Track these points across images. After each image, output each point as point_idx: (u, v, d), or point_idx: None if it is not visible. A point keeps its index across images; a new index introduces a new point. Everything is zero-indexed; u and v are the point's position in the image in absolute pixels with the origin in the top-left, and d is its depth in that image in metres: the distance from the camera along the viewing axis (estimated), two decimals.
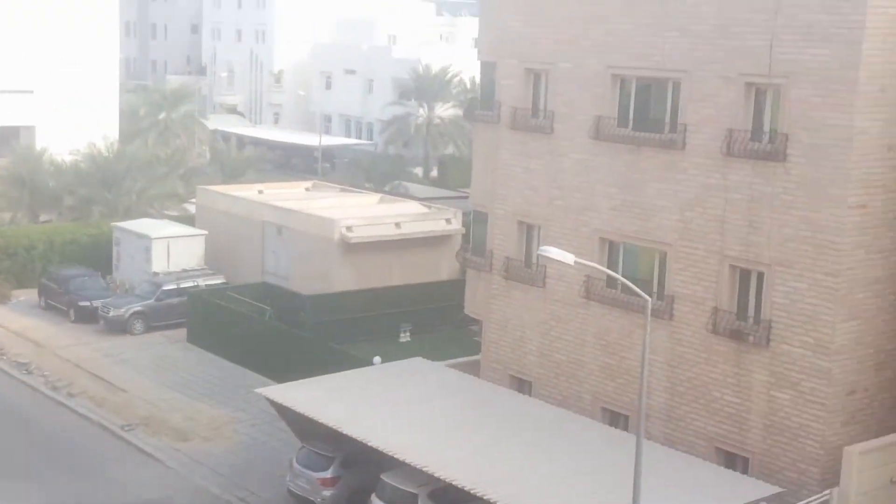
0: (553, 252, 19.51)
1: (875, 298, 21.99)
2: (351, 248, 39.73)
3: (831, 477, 21.49)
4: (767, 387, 22.58)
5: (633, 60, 24.82)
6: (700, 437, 23.79)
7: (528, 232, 27.95)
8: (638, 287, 19.92)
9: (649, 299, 19.36)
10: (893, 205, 21.88)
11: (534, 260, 27.56)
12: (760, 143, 22.49)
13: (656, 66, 24.40)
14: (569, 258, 19.41)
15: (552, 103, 26.89)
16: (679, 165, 23.91)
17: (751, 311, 23.04)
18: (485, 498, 20.90)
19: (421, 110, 74.04)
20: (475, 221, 29.98)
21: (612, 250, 25.83)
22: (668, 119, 24.39)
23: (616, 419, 25.62)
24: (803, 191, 21.69)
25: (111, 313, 38.44)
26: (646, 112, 25.07)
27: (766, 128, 22.59)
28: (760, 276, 22.71)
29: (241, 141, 73.24)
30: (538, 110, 27.39)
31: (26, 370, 34.29)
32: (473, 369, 29.13)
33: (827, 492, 21.17)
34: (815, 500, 21.12)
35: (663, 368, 24.38)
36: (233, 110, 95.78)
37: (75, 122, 62.62)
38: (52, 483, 26.33)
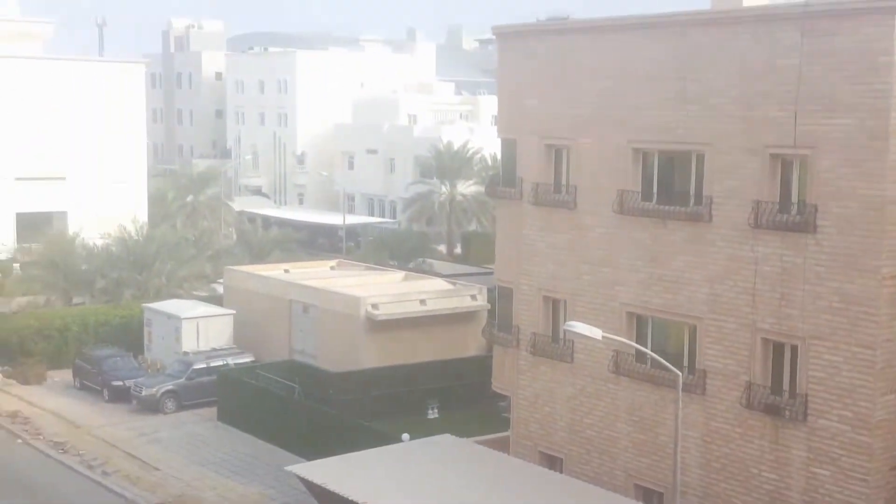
0: (580, 327, 19.65)
1: None
2: (377, 326, 39.97)
3: None
4: (806, 463, 22.16)
5: (654, 134, 24.88)
6: None
7: (555, 307, 27.88)
8: (668, 361, 19.85)
9: (680, 374, 19.29)
10: None
11: (561, 335, 27.45)
12: (789, 214, 22.26)
13: (678, 139, 24.38)
14: (596, 333, 19.53)
15: (574, 178, 26.87)
16: (706, 238, 23.80)
17: (786, 385, 22.64)
18: None
19: (443, 187, 74.81)
20: (500, 297, 29.84)
21: (640, 324, 25.72)
22: (693, 191, 24.24)
23: (650, 496, 25.32)
24: (835, 262, 21.42)
25: (143, 392, 38.78)
26: (670, 185, 24.98)
27: (795, 199, 22.36)
28: (794, 349, 22.37)
29: (267, 221, 74.10)
30: (560, 185, 27.32)
31: (62, 450, 34.54)
32: (503, 446, 29.07)
33: None
34: None
35: (698, 444, 24.03)
36: (258, 192, 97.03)
37: (106, 207, 63.85)
38: None
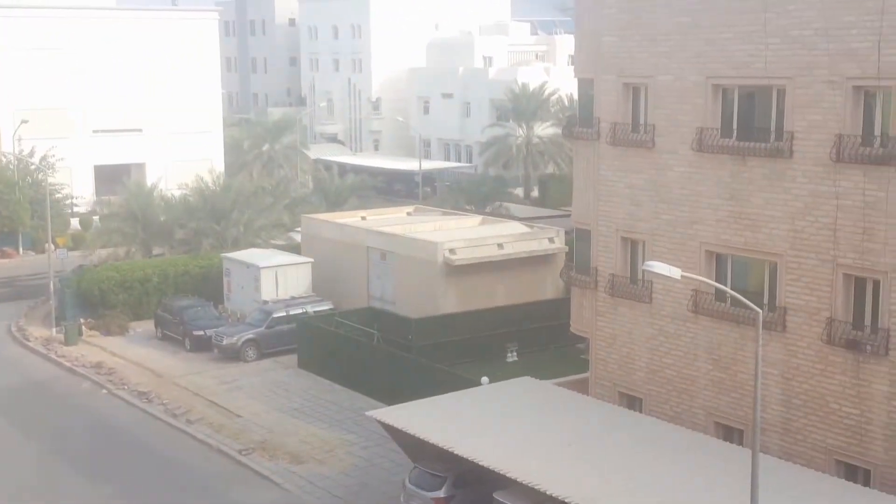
0: (659, 267, 19.34)
1: None
2: (455, 271, 39.93)
3: None
4: (888, 397, 21.97)
5: (733, 70, 24.48)
6: (818, 449, 23.25)
7: (633, 247, 27.75)
8: (748, 299, 19.59)
9: (760, 312, 19.04)
10: None
11: (639, 276, 27.33)
12: (872, 147, 21.92)
13: (758, 73, 24.01)
14: (675, 273, 19.21)
15: (652, 117, 26.66)
16: (787, 174, 23.47)
17: (867, 320, 22.45)
18: None
19: (519, 130, 74.17)
20: (578, 239, 29.87)
21: (719, 263, 25.47)
22: (773, 127, 23.97)
23: (730, 434, 25.19)
24: None
25: (224, 342, 39.35)
26: (750, 121, 24.69)
27: (878, 132, 22.01)
28: (876, 283, 22.13)
29: (343, 169, 74.30)
30: (638, 125, 27.17)
31: (146, 399, 35.29)
32: (582, 387, 29.00)
33: None
34: None
35: (778, 381, 23.90)
36: (333, 139, 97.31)
37: (183, 157, 64.64)
38: None
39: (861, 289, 22.56)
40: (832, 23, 22.33)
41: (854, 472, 22.75)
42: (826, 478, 22.28)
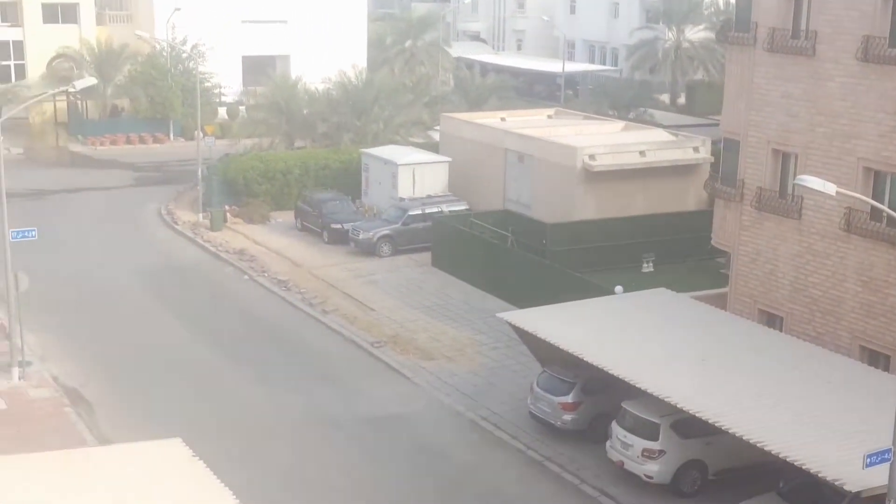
0: (812, 182, 18.49)
1: None
2: (594, 177, 39.23)
3: None
4: None
5: None
6: None
7: (784, 160, 26.76)
8: None
9: None
10: None
11: (789, 190, 26.37)
12: None
13: None
14: (830, 188, 18.36)
15: (814, 23, 25.43)
16: None
17: None
18: (730, 431, 20.35)
19: (669, 34, 71.84)
20: (725, 149, 29.03)
21: (877, 180, 24.30)
22: None
23: (876, 358, 24.29)
24: None
25: (361, 236, 39.82)
26: None
27: None
28: None
29: (484, 68, 73.49)
30: (799, 31, 26.02)
31: (285, 287, 36.15)
32: (719, 302, 28.32)
33: None
34: None
35: None
36: (476, 37, 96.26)
37: (326, 51, 64.86)
38: (309, 392, 27.78)
39: None
40: None
41: None
42: None
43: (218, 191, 45.37)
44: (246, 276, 37.60)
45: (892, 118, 23.58)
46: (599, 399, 24.81)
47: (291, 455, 24.48)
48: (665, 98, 70.87)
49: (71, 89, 35.11)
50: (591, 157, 39.28)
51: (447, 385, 28.32)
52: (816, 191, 18.76)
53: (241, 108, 61.67)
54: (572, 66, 77.20)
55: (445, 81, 70.64)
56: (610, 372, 23.10)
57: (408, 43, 72.49)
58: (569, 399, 24.95)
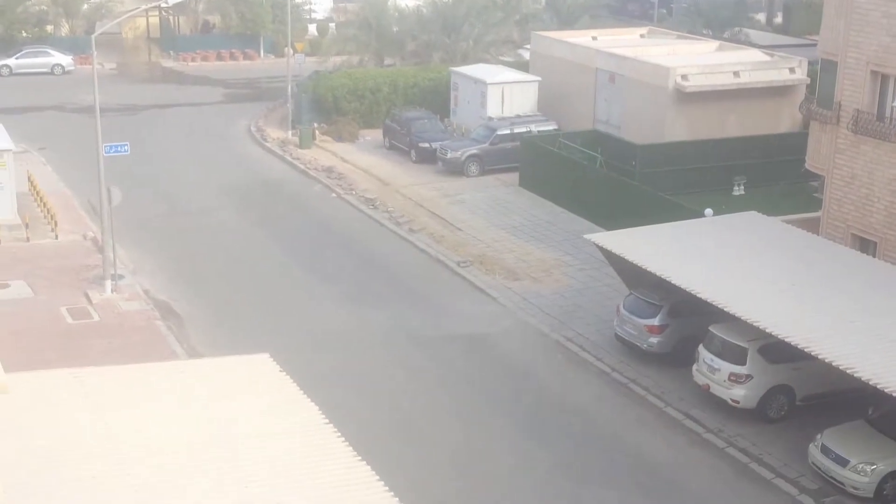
0: None
1: None
2: (686, 98, 38.57)
3: None
4: None
5: None
6: None
7: (884, 82, 26.00)
8: None
9: None
10: None
11: (888, 113, 25.61)
12: None
13: None
14: None
15: None
16: None
17: None
18: (819, 357, 20.12)
19: None
20: (823, 71, 28.33)
21: None
22: None
23: None
24: None
25: (449, 155, 39.86)
26: None
27: None
28: None
29: None
30: None
31: (373, 205, 36.50)
32: (812, 227, 27.81)
33: None
34: None
35: None
36: None
37: None
38: (397, 311, 28.19)
39: None
40: None
41: None
42: None
43: (307, 108, 45.72)
44: (334, 194, 38.02)
45: None
46: (686, 322, 24.70)
47: (376, 372, 24.96)
48: (761, 17, 68.86)
49: (164, 4, 35.52)
50: (684, 77, 38.60)
51: (532, 306, 28.47)
52: None
53: (330, 25, 61.73)
54: None
55: None
56: (697, 295, 22.94)
57: None
58: (655, 322, 24.91)
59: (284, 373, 17.73)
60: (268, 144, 44.23)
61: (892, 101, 25.69)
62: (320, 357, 25.24)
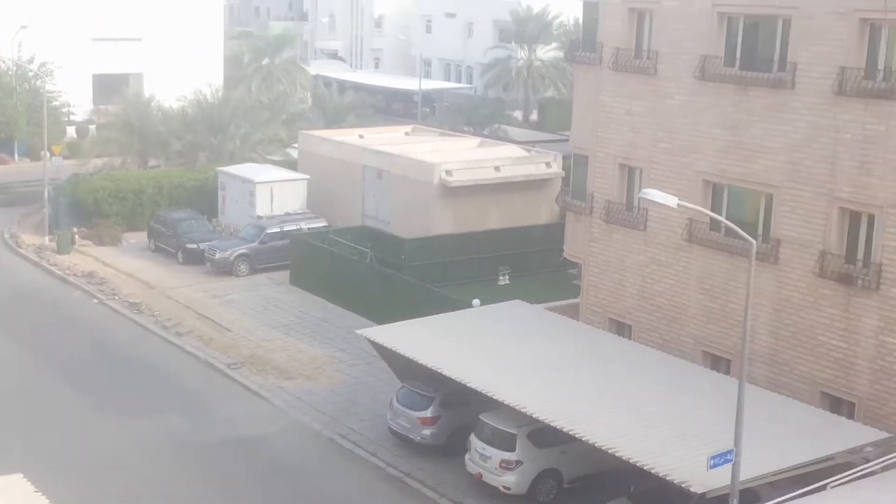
0: (655, 195, 19.23)
1: None
2: (450, 192, 39.72)
3: None
4: (876, 331, 22.05)
5: None
6: (804, 381, 23.39)
7: (630, 174, 27.65)
8: (742, 230, 19.52)
9: (754, 242, 18.99)
10: None
11: (635, 203, 27.25)
12: (875, 81, 21.72)
13: (764, 2, 23.79)
14: (671, 201, 19.13)
15: (656, 43, 26.39)
16: (788, 105, 23.26)
17: (860, 255, 22.43)
18: (584, 439, 20.90)
19: (522, 53, 73.29)
20: (575, 164, 29.83)
21: (716, 193, 25.37)
22: (776, 58, 23.76)
23: (718, 363, 25.32)
24: None
25: (217, 255, 39.28)
26: (753, 51, 24.47)
27: (881, 65, 21.79)
28: (871, 218, 22.08)
29: (342, 86, 73.43)
30: (641, 51, 26.95)
31: (137, 310, 35.28)
32: (573, 312, 29.04)
33: None
34: None
35: (768, 312, 23.95)
36: (334, 56, 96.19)
37: (182, 69, 63.78)
38: (166, 419, 27.11)
39: (855, 223, 22.50)
40: None
41: (839, 405, 22.90)
42: (811, 409, 22.42)
43: (66, 212, 43.98)
44: (95, 300, 36.55)
45: (728, 133, 24.67)
46: (458, 413, 25.07)
47: (144, 485, 23.87)
48: (518, 115, 72.23)
49: None
50: (448, 172, 39.79)
51: (306, 404, 28.17)
52: (659, 203, 19.52)
53: (91, 126, 60.05)
54: (429, 84, 77.96)
55: (303, 99, 70.36)
56: (468, 385, 23.42)
57: (265, 61, 71.88)
58: (428, 413, 25.16)
59: (41, 493, 16.73)
60: (23, 251, 42.13)
61: (639, 192, 27.35)
62: (81, 474, 23.87)
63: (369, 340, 26.93)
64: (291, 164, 47.05)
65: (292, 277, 38.30)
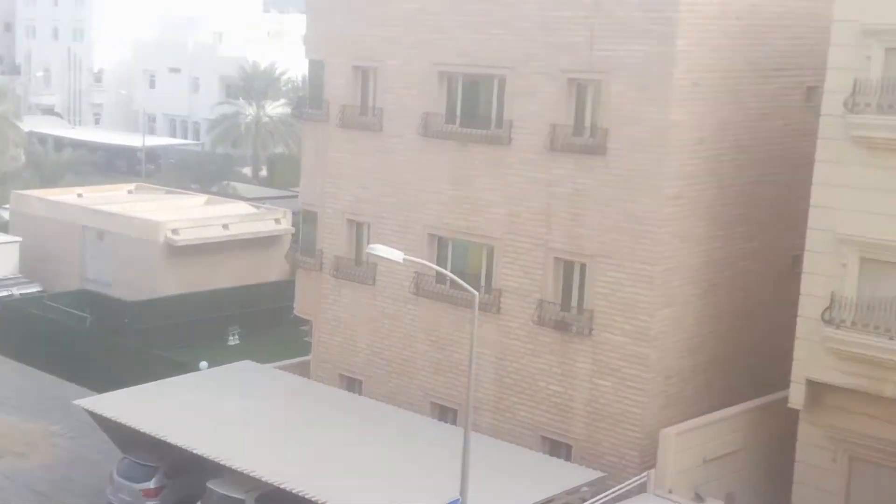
0: (381, 250, 19.33)
1: (690, 285, 22.64)
2: (177, 252, 38.63)
3: (650, 459, 22.05)
4: (590, 375, 22.98)
5: (459, 57, 24.79)
6: (526, 426, 24.04)
7: (359, 230, 27.65)
8: (467, 282, 19.92)
9: (476, 294, 19.37)
10: (705, 195, 22.54)
11: (364, 258, 27.30)
12: (582, 137, 22.86)
13: (482, 62, 24.44)
14: (397, 255, 19.27)
15: (381, 101, 26.66)
16: (505, 161, 24.04)
17: (574, 302, 23.38)
18: (313, 500, 20.51)
19: (249, 109, 72.76)
20: (305, 221, 29.53)
21: (441, 246, 25.77)
22: (494, 115, 24.49)
23: (445, 413, 25.63)
24: (623, 183, 22.11)
25: None
26: (474, 108, 25.12)
27: (588, 122, 22.94)
28: (583, 267, 23.09)
29: (60, 143, 70.27)
30: (367, 108, 27.12)
31: None
32: (303, 370, 28.67)
33: (644, 473, 21.71)
34: (634, 482, 21.61)
35: (491, 361, 24.50)
36: (50, 111, 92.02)
37: None
38: None
39: (570, 272, 23.44)
40: (550, 16, 23.05)
41: (558, 448, 23.67)
42: (532, 453, 23.08)
43: None
44: None
45: (451, 188, 25.20)
46: (185, 481, 24.09)
47: None
48: (247, 171, 71.58)
49: None
50: (174, 231, 38.73)
51: (17, 484, 26.24)
52: (386, 258, 19.60)
53: None
54: (153, 140, 75.96)
55: (16, 157, 66.55)
56: (194, 451, 22.53)
57: None
58: (150, 485, 24.04)
59: None
60: None
61: (367, 247, 27.44)
62: None
63: (87, 411, 25.49)
64: (3, 227, 44.35)
65: (3, 348, 35.70)
